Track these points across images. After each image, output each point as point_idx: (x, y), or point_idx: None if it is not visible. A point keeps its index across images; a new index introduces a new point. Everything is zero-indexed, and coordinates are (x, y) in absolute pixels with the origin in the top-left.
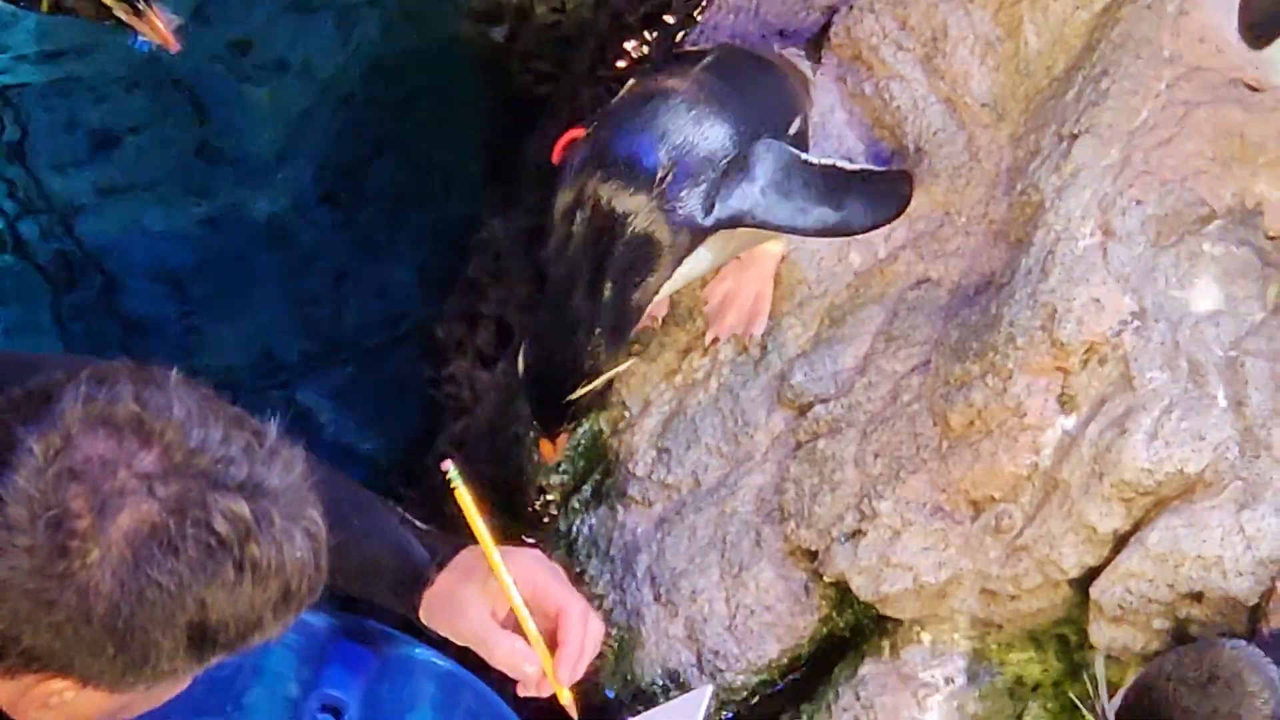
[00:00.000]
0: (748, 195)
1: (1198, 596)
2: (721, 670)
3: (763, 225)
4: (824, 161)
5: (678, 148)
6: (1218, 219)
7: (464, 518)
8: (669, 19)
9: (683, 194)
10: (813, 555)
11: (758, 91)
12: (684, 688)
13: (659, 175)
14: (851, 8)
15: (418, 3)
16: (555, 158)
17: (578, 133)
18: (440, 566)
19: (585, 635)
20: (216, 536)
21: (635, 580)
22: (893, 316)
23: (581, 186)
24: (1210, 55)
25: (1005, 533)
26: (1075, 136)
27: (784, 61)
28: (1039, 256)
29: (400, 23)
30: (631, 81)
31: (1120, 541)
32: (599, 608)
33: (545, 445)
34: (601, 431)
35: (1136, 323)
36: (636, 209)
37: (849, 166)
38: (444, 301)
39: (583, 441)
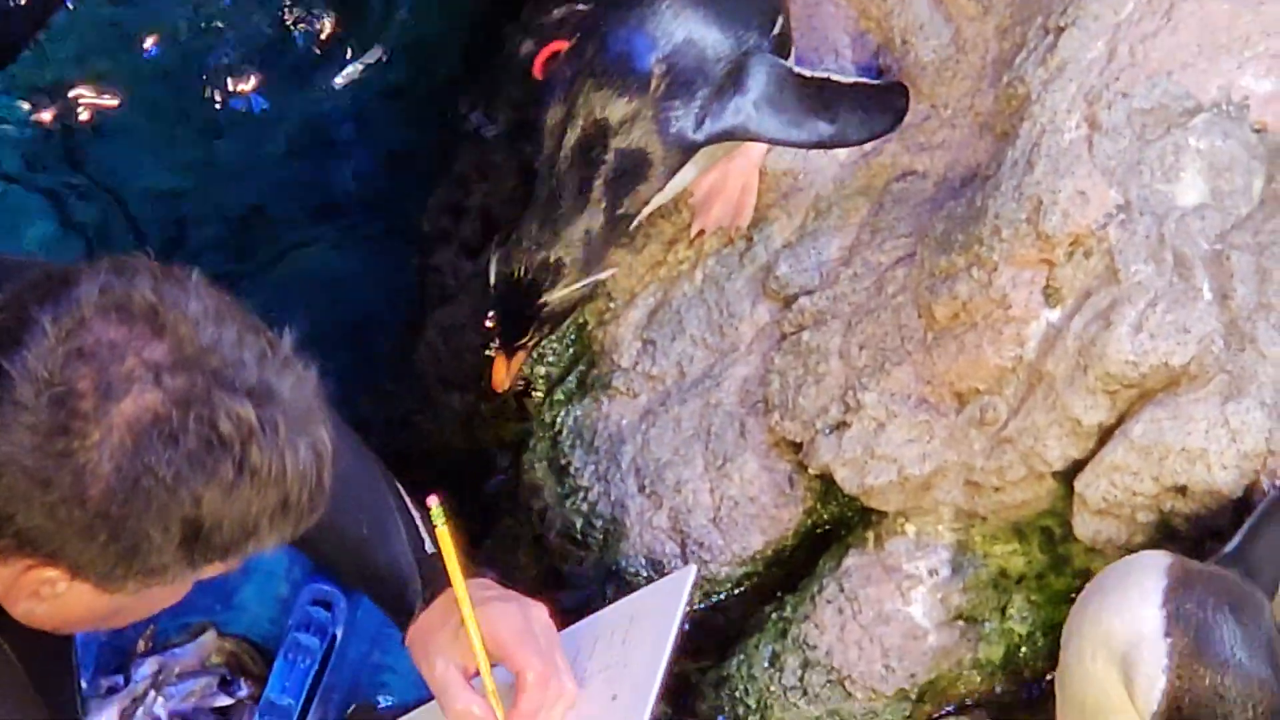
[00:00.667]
0: (740, 110)
1: (1182, 490)
2: (706, 561)
3: (755, 139)
4: (817, 74)
5: (669, 55)
6: (1204, 112)
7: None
8: None
9: (676, 107)
10: (797, 447)
11: None
12: None
13: (653, 84)
14: None
15: None
16: (538, 71)
17: (560, 45)
18: (427, 602)
19: (544, 698)
20: (218, 434)
21: (620, 471)
22: (878, 209)
23: (573, 99)
24: None
25: (990, 425)
26: (1061, 29)
27: None
28: (1024, 149)
29: None
30: None
31: (1105, 434)
32: (583, 499)
33: (499, 366)
34: (586, 323)
35: (1122, 216)
36: (630, 116)
37: (842, 79)
38: (428, 192)
39: (568, 333)
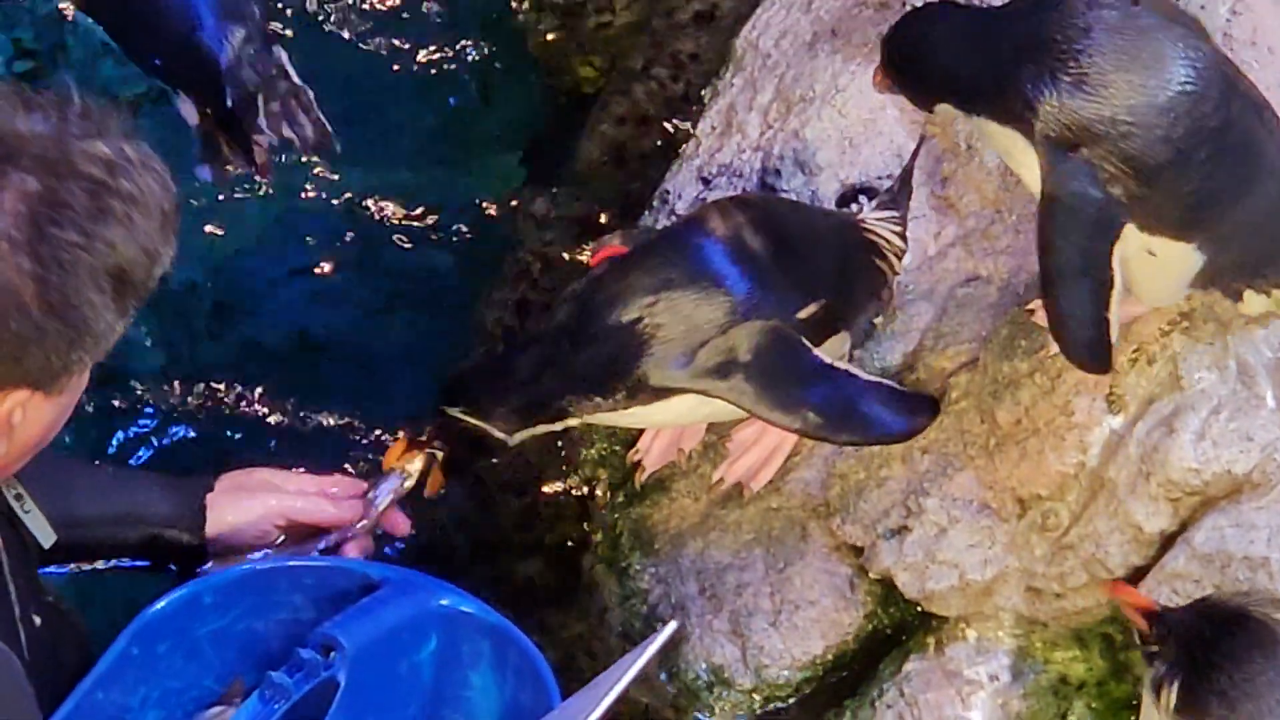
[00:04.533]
0: (724, 370)
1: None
2: (766, 665)
3: (738, 404)
4: (838, 364)
5: (684, 290)
6: None
7: None
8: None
9: (647, 337)
10: (858, 551)
11: (798, 257)
12: (727, 684)
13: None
14: (905, 3)
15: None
16: (593, 262)
17: (617, 250)
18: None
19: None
20: (93, 180)
21: (680, 574)
22: (941, 313)
23: (602, 280)
24: (1262, 57)
25: (1051, 531)
26: None
27: (840, 230)
28: None
29: (457, 12)
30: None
31: (1167, 541)
32: (643, 601)
33: (397, 448)
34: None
35: (1185, 323)
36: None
37: (864, 376)
38: (487, 287)
39: (631, 433)
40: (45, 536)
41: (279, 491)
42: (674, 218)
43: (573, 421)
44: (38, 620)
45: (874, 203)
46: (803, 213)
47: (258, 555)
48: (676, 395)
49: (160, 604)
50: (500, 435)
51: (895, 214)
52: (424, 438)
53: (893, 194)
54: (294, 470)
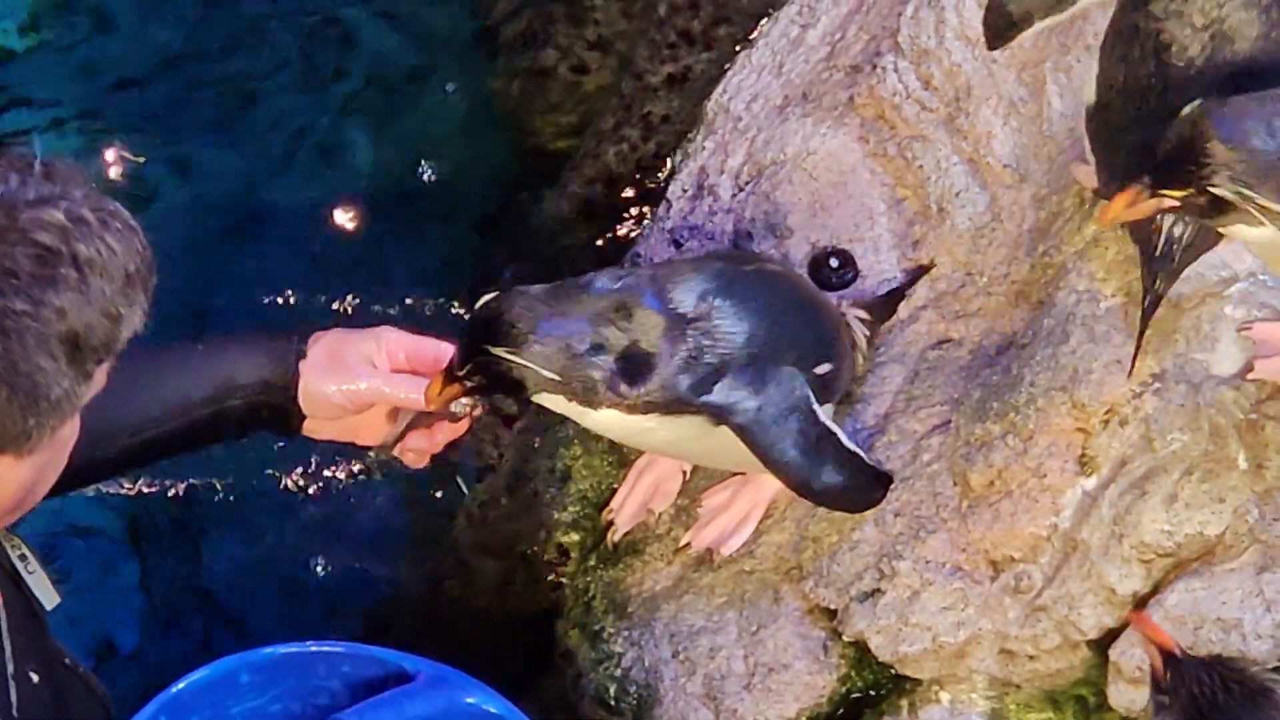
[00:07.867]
0: (741, 399)
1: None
2: None
3: (739, 435)
4: (830, 426)
5: (711, 314)
6: (1239, 281)
7: None
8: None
9: (687, 351)
10: (831, 614)
11: (818, 321)
12: None
13: (687, 315)
14: (875, 67)
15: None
16: None
17: None
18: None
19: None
20: (43, 247)
21: (653, 637)
22: (913, 376)
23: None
24: None
25: (1024, 593)
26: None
27: (834, 311)
28: (1060, 318)
29: (427, 72)
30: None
31: (1139, 603)
32: (616, 665)
33: (436, 382)
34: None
35: (1157, 384)
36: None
37: (846, 443)
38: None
39: (603, 498)
40: (48, 598)
41: (376, 374)
42: None
43: (596, 415)
44: (35, 678)
45: (851, 302)
46: (813, 286)
47: None
48: (688, 415)
49: (194, 677)
50: (544, 372)
51: (869, 319)
52: (461, 374)
53: (873, 306)
54: (391, 335)
